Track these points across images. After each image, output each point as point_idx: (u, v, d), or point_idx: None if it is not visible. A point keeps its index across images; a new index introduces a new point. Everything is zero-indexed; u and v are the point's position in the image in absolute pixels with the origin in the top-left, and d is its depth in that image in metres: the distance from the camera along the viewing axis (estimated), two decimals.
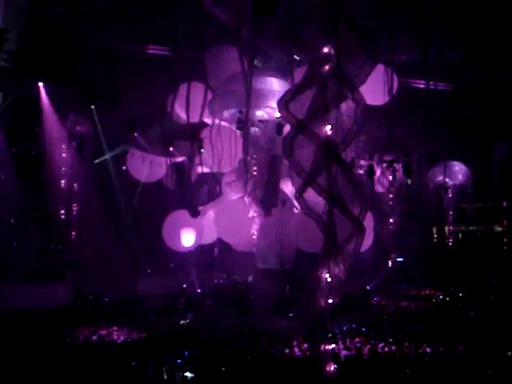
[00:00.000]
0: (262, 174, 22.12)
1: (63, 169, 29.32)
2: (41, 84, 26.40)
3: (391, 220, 28.99)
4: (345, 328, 19.61)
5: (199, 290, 30.30)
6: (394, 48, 16.05)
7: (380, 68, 16.34)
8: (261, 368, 14.93)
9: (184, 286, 30.02)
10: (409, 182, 28.37)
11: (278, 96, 17.46)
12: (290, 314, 22.94)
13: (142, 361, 15.16)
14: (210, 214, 24.91)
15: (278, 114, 19.30)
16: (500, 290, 29.08)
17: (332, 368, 12.18)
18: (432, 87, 18.52)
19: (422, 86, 21.00)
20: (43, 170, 28.82)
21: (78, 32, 21.94)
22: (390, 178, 26.55)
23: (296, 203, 19.78)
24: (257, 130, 22.01)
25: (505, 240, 34.50)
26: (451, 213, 33.37)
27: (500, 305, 25.09)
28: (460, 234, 37.93)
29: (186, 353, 16.37)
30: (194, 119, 18.34)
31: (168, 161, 22.53)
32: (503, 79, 24.08)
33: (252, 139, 21.10)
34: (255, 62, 16.73)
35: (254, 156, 22.02)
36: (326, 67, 13.18)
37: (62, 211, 30.25)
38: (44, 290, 26.47)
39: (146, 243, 31.78)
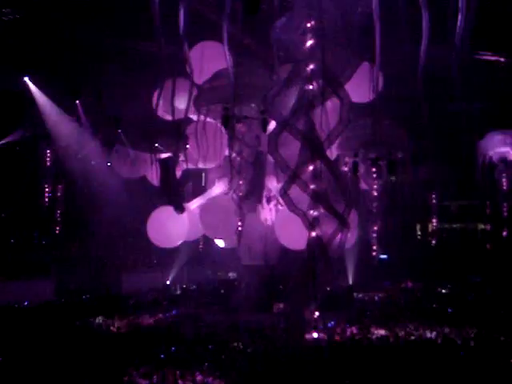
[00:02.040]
0: (247, 171, 22.14)
1: (48, 164, 29.14)
2: (26, 78, 26.32)
3: (375, 217, 29.08)
4: (330, 324, 19.78)
5: (184, 286, 30.32)
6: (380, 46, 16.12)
7: (365, 66, 16.42)
8: (245, 364, 15.02)
9: (168, 282, 30.03)
10: (393, 179, 28.42)
11: (263, 92, 17.47)
12: (275, 310, 23.07)
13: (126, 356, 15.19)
14: (194, 209, 24.90)
15: (263, 111, 19.36)
16: (482, 287, 29.38)
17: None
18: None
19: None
20: (28, 164, 28.63)
21: (63, 27, 21.84)
22: (375, 175, 26.61)
23: (281, 200, 19.83)
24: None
25: (488, 238, 34.68)
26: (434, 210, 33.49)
27: (481, 301, 25.42)
28: (443, 232, 38.16)
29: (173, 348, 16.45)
30: (179, 115, 18.37)
31: (153, 157, 22.49)
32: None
33: (237, 136, 21.12)
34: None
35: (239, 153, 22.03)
36: (312, 65, 13.24)
37: (46, 205, 30.07)
38: (28, 285, 26.40)
39: (131, 239, 31.75)
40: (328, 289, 15.13)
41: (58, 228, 30.64)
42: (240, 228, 22.46)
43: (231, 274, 31.73)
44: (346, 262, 27.35)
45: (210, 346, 16.82)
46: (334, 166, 15.26)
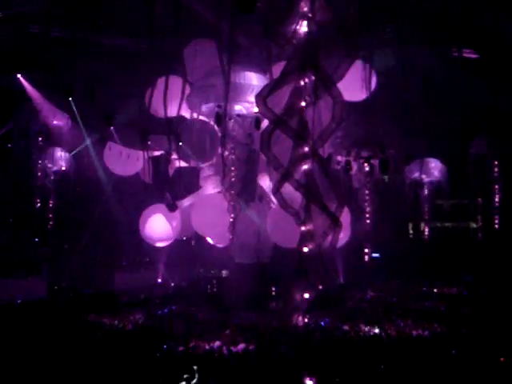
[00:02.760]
0: (240, 169, 22.13)
1: (39, 162, 29.05)
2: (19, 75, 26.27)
3: (367, 215, 29.16)
4: (322, 323, 19.78)
5: (175, 284, 30.25)
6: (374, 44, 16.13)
7: (358, 64, 16.42)
8: (237, 363, 15.03)
9: (159, 280, 29.96)
10: (385, 178, 28.53)
11: (256, 90, 17.51)
12: (268, 308, 23.06)
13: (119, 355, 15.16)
14: (187, 207, 24.87)
15: (256, 109, 19.36)
16: (473, 285, 29.46)
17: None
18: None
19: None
20: (19, 161, 28.53)
21: (55, 24, 21.78)
22: (367, 174, 26.69)
23: (273, 198, 19.83)
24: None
25: (479, 236, 34.77)
26: (427, 209, 33.56)
27: (473, 300, 25.50)
28: (435, 230, 38.22)
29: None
30: (172, 113, 18.36)
31: (145, 154, 22.45)
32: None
33: (230, 134, 21.12)
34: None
35: (232, 151, 22.02)
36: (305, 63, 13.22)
37: (38, 204, 29.98)
38: (20, 283, 26.32)
39: (123, 237, 31.66)
40: (320, 287, 15.15)
41: (49, 226, 30.59)
42: (232, 226, 22.46)
43: (224, 272, 31.70)
44: (338, 260, 27.37)
45: (202, 344, 16.85)
46: (327, 164, 15.26)
